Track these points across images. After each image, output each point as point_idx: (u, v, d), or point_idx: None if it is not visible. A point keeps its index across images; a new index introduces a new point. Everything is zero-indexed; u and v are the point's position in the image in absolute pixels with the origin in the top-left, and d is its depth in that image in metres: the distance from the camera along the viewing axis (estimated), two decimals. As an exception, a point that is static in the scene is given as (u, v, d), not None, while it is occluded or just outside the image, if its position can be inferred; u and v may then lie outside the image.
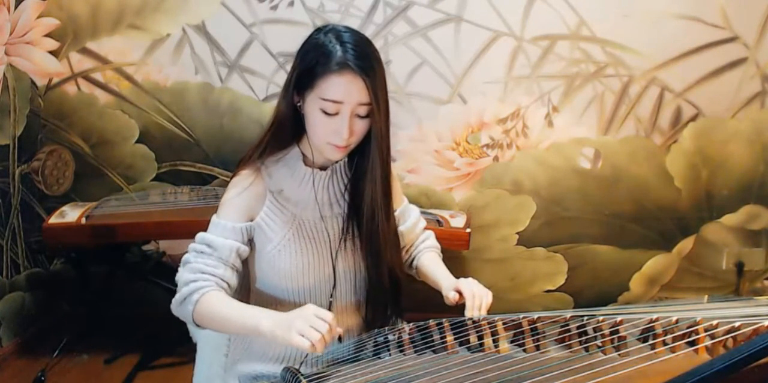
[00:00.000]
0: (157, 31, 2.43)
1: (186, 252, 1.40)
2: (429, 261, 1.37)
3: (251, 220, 1.22)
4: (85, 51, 2.46)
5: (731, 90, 2.36)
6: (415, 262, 1.40)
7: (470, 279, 1.22)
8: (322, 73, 1.11)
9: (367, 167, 1.21)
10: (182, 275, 1.20)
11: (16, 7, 2.40)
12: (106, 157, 2.55)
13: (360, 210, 1.24)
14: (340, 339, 1.05)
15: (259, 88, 2.44)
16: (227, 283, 1.19)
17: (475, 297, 1.17)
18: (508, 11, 2.32)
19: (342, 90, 1.10)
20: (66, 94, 2.50)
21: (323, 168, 1.25)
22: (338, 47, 1.11)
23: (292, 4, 2.36)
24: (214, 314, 1.13)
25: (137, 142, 2.52)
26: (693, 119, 2.40)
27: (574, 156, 2.45)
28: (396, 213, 1.34)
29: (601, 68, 2.36)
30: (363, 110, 1.13)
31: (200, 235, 1.22)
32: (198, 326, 1.18)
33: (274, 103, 2.40)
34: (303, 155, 1.24)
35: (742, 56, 2.33)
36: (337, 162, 1.25)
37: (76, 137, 2.54)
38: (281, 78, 2.39)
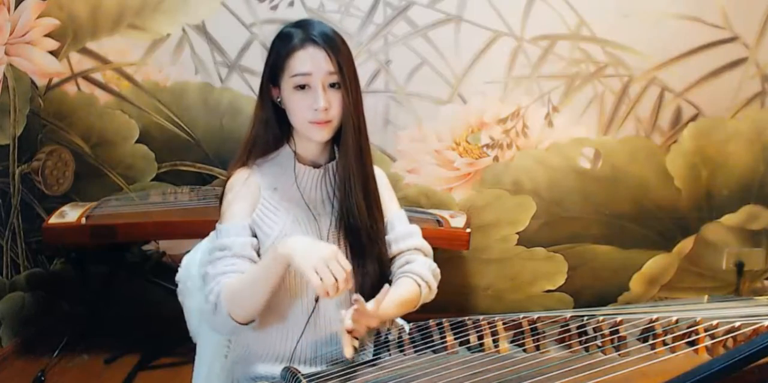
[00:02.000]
0: (157, 31, 2.42)
1: (187, 251, 1.40)
2: (396, 287, 1.22)
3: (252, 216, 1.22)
4: (85, 51, 2.46)
5: (731, 90, 2.36)
6: (391, 278, 1.27)
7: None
8: (287, 54, 1.16)
9: (341, 139, 1.21)
10: (207, 284, 1.19)
11: (16, 7, 2.40)
12: (106, 157, 2.55)
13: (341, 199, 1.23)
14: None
15: (259, 89, 2.43)
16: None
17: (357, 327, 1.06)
18: (508, 11, 2.32)
19: (308, 62, 1.15)
20: (66, 95, 2.50)
21: (316, 167, 1.25)
22: (299, 30, 1.17)
23: (292, 4, 2.36)
24: (242, 287, 1.13)
25: (137, 142, 2.52)
26: (693, 119, 2.40)
27: (574, 156, 2.44)
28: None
29: (601, 68, 2.36)
30: (333, 79, 1.16)
31: (211, 245, 1.23)
32: (241, 323, 1.15)
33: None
34: (295, 153, 1.25)
35: (742, 56, 2.33)
36: (329, 162, 1.26)
37: (76, 137, 2.54)
38: (281, 78, 2.39)
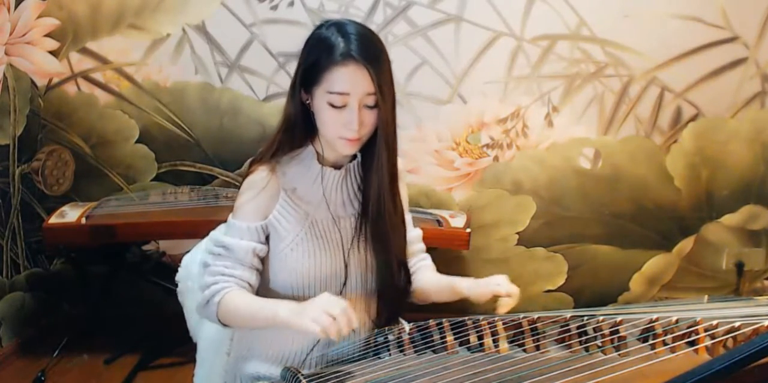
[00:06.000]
0: (157, 31, 2.42)
1: (187, 251, 1.40)
2: (434, 276, 1.34)
3: (266, 218, 1.21)
4: (85, 51, 2.46)
5: (731, 90, 2.36)
6: (412, 277, 1.36)
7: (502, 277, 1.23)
8: (327, 66, 1.11)
9: (374, 154, 1.20)
10: (203, 278, 1.22)
11: (16, 7, 2.40)
12: (106, 157, 2.55)
13: (369, 203, 1.23)
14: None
15: (259, 88, 2.44)
16: (247, 282, 1.21)
17: (513, 295, 1.19)
18: (508, 11, 2.32)
19: (347, 81, 1.10)
20: (66, 94, 2.50)
21: (337, 167, 1.24)
22: (340, 39, 1.11)
23: (292, 4, 2.36)
24: (237, 312, 1.16)
25: (137, 142, 2.52)
26: (693, 119, 2.40)
27: (574, 156, 2.44)
28: None
29: (601, 68, 2.36)
30: (371, 100, 1.13)
31: (216, 238, 1.23)
32: (225, 325, 1.21)
33: (274, 103, 2.42)
34: (317, 153, 1.24)
35: (742, 56, 2.33)
36: (351, 162, 1.25)
37: (76, 137, 2.54)
38: (281, 78, 2.40)
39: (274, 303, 1.12)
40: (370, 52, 1.11)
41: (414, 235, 1.37)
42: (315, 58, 1.12)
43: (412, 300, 1.34)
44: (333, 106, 1.12)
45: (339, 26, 1.14)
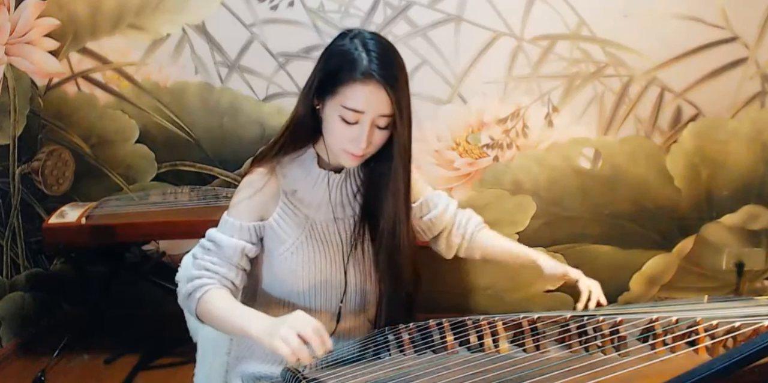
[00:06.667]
0: (157, 31, 2.43)
1: (187, 251, 1.41)
2: (497, 240, 1.43)
3: (262, 220, 1.21)
4: (85, 51, 2.46)
5: (731, 90, 2.36)
6: (470, 244, 1.43)
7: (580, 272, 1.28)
8: (346, 81, 1.09)
9: (389, 178, 1.19)
10: (191, 270, 1.22)
11: (16, 7, 2.40)
12: (106, 157, 2.55)
13: (376, 219, 1.22)
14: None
15: (259, 88, 2.44)
16: (231, 282, 1.20)
17: (592, 292, 1.24)
18: (508, 11, 2.32)
19: (364, 100, 1.09)
20: (66, 94, 2.50)
21: (338, 170, 1.24)
22: (364, 55, 1.09)
23: (292, 4, 2.36)
24: (212, 313, 1.15)
25: (137, 142, 2.52)
26: (693, 119, 2.40)
27: (574, 156, 2.44)
28: (420, 202, 1.36)
29: (601, 68, 2.36)
30: (383, 122, 1.11)
31: (209, 231, 1.24)
32: (202, 322, 1.20)
33: (274, 103, 2.42)
34: (318, 156, 1.23)
35: (742, 56, 2.32)
36: None
37: (76, 137, 2.54)
38: (281, 78, 2.40)
39: (248, 317, 1.09)
40: (392, 72, 1.10)
41: (443, 204, 1.39)
42: (335, 70, 1.10)
43: (459, 254, 1.43)
44: (345, 121, 1.11)
45: (363, 40, 1.12)
